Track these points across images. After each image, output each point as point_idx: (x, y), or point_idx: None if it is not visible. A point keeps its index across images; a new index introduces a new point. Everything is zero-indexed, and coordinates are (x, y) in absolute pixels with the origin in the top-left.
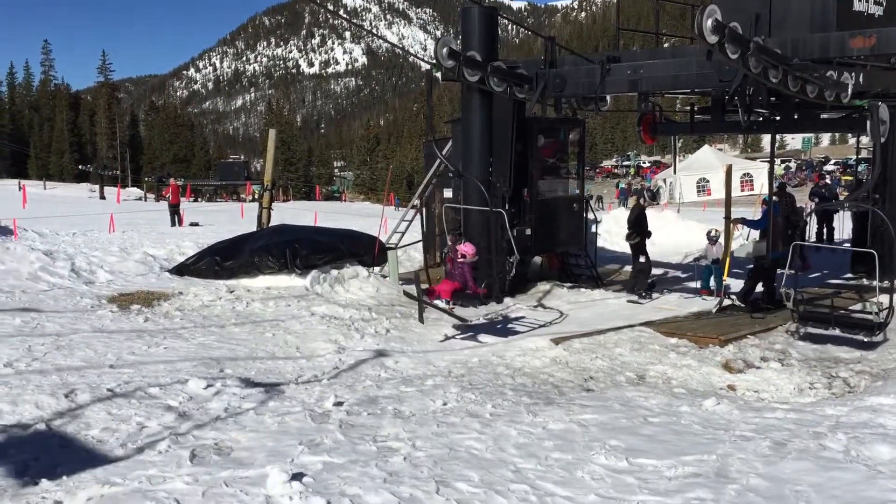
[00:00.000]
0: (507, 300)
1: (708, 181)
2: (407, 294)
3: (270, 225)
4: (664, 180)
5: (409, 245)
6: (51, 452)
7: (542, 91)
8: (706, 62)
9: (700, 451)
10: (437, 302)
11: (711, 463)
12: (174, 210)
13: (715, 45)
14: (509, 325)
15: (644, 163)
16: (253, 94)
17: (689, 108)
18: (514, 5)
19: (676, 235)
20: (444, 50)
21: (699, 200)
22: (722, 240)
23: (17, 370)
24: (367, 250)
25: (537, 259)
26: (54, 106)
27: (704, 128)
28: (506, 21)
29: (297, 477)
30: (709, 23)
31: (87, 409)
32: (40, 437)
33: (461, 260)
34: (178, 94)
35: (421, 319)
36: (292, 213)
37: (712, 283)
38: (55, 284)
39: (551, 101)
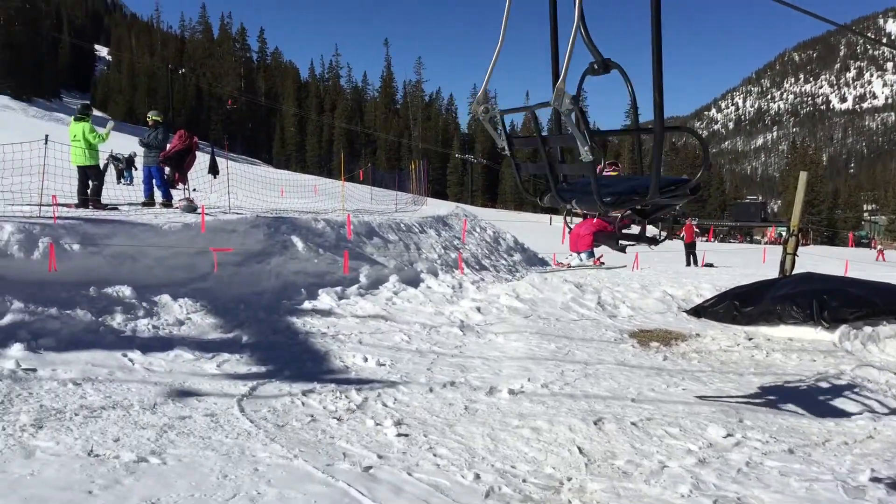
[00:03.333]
0: None
1: None
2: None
3: (794, 272)
4: None
5: None
6: (579, 471)
7: None
8: None
9: None
10: (572, 259)
11: None
12: (690, 250)
13: None
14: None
15: None
16: (775, 133)
17: None
18: None
19: None
20: None
21: None
22: None
23: (552, 392)
24: None
25: None
26: None
27: None
28: None
29: None
30: None
31: (613, 439)
32: (573, 458)
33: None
34: None
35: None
36: (814, 259)
37: None
38: (583, 315)
39: None
